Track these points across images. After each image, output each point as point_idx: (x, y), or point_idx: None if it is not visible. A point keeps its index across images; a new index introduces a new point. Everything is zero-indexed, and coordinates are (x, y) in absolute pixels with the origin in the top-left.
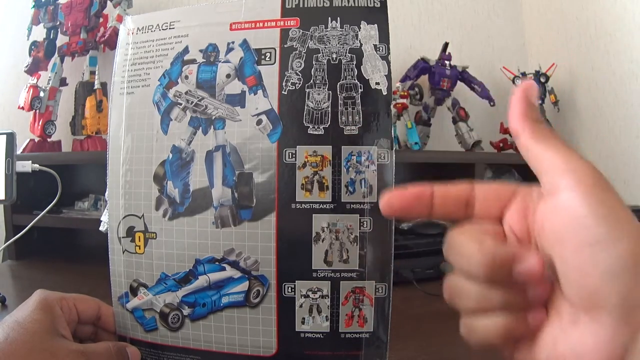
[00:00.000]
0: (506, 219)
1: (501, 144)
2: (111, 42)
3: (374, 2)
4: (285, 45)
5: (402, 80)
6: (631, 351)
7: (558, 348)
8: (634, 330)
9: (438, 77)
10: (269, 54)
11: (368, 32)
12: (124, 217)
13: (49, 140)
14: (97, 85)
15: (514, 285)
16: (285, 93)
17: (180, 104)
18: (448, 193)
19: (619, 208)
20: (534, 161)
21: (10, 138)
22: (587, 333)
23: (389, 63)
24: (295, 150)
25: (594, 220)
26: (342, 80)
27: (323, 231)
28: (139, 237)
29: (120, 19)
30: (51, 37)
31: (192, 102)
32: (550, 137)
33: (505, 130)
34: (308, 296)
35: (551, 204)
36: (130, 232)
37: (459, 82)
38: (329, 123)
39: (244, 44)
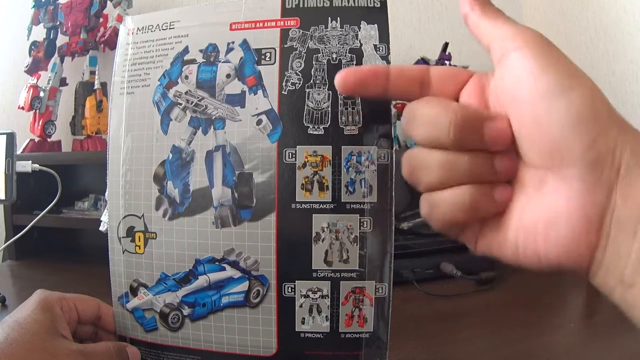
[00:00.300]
0: (462, 99)
1: None
2: (111, 42)
3: (374, 2)
4: (285, 45)
5: None
6: (609, 211)
7: (527, 218)
8: (607, 188)
9: None
10: (269, 54)
11: (368, 32)
12: (124, 217)
13: (49, 140)
14: (97, 85)
15: (480, 153)
16: (285, 93)
17: (180, 104)
18: (403, 72)
19: (568, 63)
20: (485, 36)
21: (10, 138)
22: (556, 194)
23: (389, 63)
24: (295, 150)
25: (544, 73)
26: None
27: (323, 231)
28: (139, 237)
29: (120, 19)
30: (51, 37)
31: (192, 102)
32: (499, 13)
33: None
34: (308, 296)
35: (502, 67)
36: (130, 232)
37: None
38: (329, 123)
39: (244, 44)
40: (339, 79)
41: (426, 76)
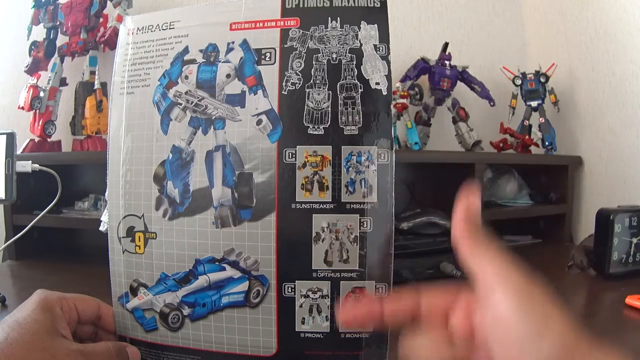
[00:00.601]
0: (452, 322)
1: (501, 144)
2: (111, 42)
3: (374, 2)
4: (285, 45)
5: (402, 80)
6: None
7: None
8: None
9: (438, 77)
10: (269, 54)
11: (368, 32)
12: (124, 217)
13: (49, 140)
14: (97, 85)
15: None
16: (285, 93)
17: (180, 104)
18: (397, 306)
19: (543, 307)
20: (471, 268)
21: (10, 138)
22: None
23: (389, 63)
24: (295, 150)
25: (519, 321)
26: (342, 80)
27: (323, 231)
28: (139, 237)
29: (120, 19)
30: (51, 37)
31: (192, 102)
32: (487, 249)
33: (505, 130)
34: (308, 296)
35: (486, 303)
36: (130, 232)
37: (459, 82)
38: (329, 123)
39: (244, 44)
40: (339, 318)
41: (417, 304)
